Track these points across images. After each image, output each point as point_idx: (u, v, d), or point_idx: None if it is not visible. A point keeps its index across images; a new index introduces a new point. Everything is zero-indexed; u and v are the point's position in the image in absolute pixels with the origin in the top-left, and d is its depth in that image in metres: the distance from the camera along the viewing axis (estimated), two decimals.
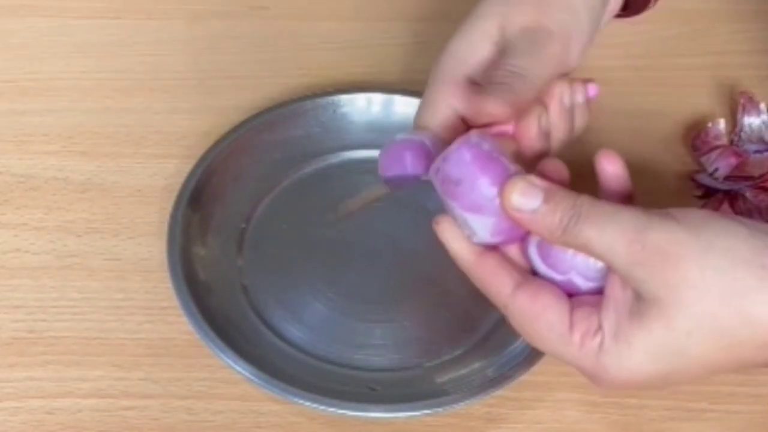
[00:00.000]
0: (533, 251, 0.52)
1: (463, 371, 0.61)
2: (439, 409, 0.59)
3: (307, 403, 0.58)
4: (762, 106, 0.74)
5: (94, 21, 0.80)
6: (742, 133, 0.73)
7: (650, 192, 0.70)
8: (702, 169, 0.72)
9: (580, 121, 0.60)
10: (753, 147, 0.73)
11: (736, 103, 0.74)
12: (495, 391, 0.59)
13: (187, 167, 0.68)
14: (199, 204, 0.66)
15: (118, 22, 0.80)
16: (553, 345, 0.51)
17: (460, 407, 0.59)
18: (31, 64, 0.77)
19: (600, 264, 0.50)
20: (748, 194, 0.69)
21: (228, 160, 0.68)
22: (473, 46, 0.59)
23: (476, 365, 0.62)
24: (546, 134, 0.57)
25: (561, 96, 0.58)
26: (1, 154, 0.71)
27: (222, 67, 0.77)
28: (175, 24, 0.80)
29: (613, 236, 0.48)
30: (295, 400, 0.58)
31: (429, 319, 0.64)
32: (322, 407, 0.58)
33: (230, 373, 0.59)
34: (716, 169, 0.71)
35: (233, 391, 0.61)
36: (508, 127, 0.56)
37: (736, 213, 0.68)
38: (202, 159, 0.68)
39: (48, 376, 0.61)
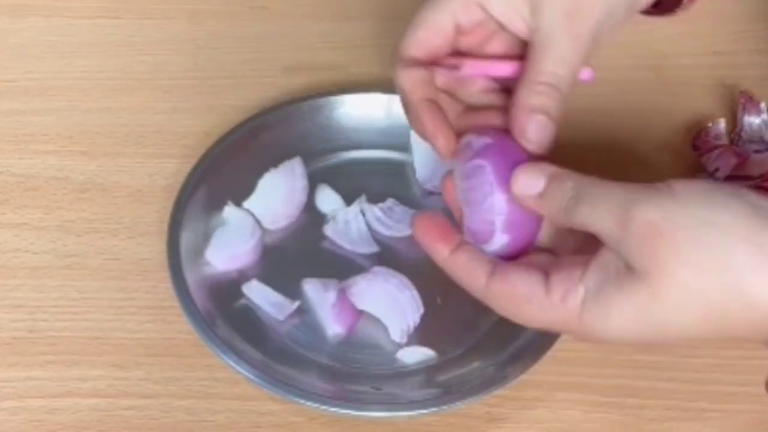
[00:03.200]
0: None
1: (463, 371, 0.61)
2: (439, 409, 0.58)
3: (308, 403, 0.58)
4: (762, 105, 0.74)
5: (94, 21, 0.80)
6: (743, 133, 0.73)
7: None
8: (702, 168, 0.72)
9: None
10: (753, 147, 0.73)
11: (737, 102, 0.74)
12: (495, 390, 0.59)
13: (187, 167, 0.68)
14: (198, 204, 0.66)
15: (118, 22, 0.80)
16: (537, 314, 0.51)
17: (460, 407, 0.59)
18: (31, 64, 0.77)
19: None
20: None
21: (228, 160, 0.68)
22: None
23: (476, 365, 0.62)
24: None
25: None
26: (1, 154, 0.71)
27: (222, 67, 0.77)
28: (175, 24, 0.80)
29: (603, 215, 0.49)
30: (295, 400, 0.58)
31: (429, 318, 0.64)
32: (323, 407, 0.58)
33: (230, 373, 0.59)
34: (717, 169, 0.70)
35: (233, 391, 0.61)
36: (506, 67, 0.57)
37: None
38: (202, 159, 0.68)
39: (48, 376, 0.61)
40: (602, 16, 0.57)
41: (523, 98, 0.55)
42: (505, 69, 0.57)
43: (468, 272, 0.52)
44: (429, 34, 0.58)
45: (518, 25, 0.57)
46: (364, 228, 0.67)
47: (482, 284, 0.52)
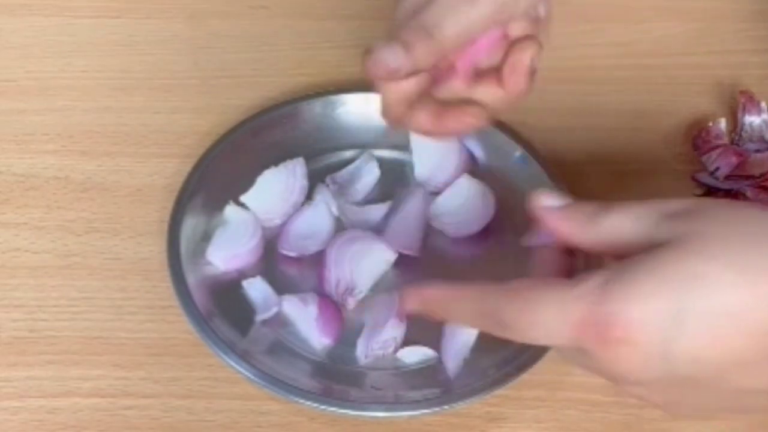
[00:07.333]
0: None
1: (463, 371, 0.61)
2: (440, 409, 0.59)
3: (308, 403, 0.58)
4: (763, 105, 0.73)
5: (94, 20, 0.80)
6: (743, 133, 0.73)
7: (650, 192, 0.71)
8: (703, 168, 0.72)
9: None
10: (754, 146, 0.73)
11: (737, 102, 0.74)
12: (496, 390, 0.59)
13: (187, 167, 0.68)
14: (198, 204, 0.66)
15: (118, 22, 0.80)
16: (550, 298, 0.47)
17: (461, 407, 0.59)
18: (31, 64, 0.77)
19: None
20: (748, 193, 0.69)
21: (228, 160, 0.68)
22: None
23: (476, 365, 0.62)
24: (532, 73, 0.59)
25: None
26: (1, 154, 0.71)
27: (222, 67, 0.77)
28: (175, 23, 0.80)
29: (640, 210, 0.48)
30: (296, 399, 0.58)
31: (429, 318, 0.64)
32: (323, 407, 0.58)
33: (230, 372, 0.59)
34: (717, 169, 0.70)
35: (233, 390, 0.61)
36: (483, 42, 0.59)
37: None
38: (202, 159, 0.68)
39: (48, 376, 0.61)
40: None
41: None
42: (483, 44, 0.59)
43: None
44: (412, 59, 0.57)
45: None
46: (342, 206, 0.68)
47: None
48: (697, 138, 0.73)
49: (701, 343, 0.44)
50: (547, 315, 0.47)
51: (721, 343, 0.44)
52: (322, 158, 0.71)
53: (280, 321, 0.63)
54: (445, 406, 0.58)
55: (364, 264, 0.65)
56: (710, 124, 0.73)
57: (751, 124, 0.73)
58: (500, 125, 0.71)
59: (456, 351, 0.61)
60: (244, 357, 0.59)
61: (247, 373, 0.59)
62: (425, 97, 0.59)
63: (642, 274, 0.45)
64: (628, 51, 0.79)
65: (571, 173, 0.69)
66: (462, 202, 0.68)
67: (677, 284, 0.44)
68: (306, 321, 0.63)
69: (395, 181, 0.71)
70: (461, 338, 0.61)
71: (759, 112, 0.73)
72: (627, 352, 0.45)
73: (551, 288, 0.47)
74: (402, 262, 0.66)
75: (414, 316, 0.63)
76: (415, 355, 0.63)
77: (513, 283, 0.49)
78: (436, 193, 0.69)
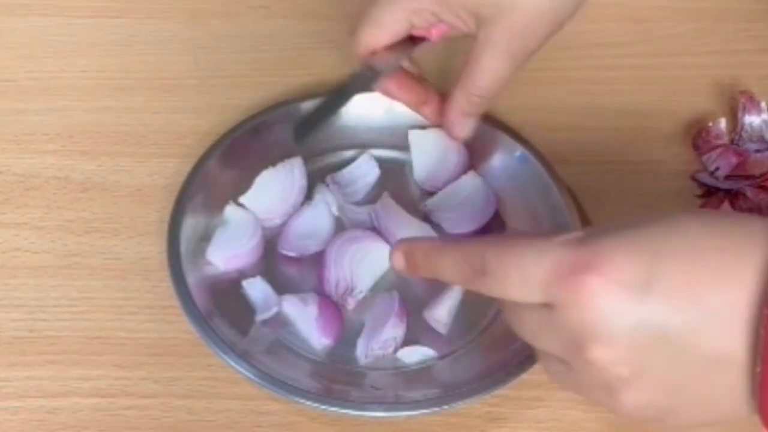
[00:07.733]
0: None
1: (463, 371, 0.61)
2: (439, 409, 0.59)
3: (308, 403, 0.58)
4: (763, 105, 0.73)
5: (95, 20, 0.80)
6: (743, 132, 0.73)
7: (650, 192, 0.71)
8: (703, 168, 0.72)
9: None
10: (754, 146, 0.73)
11: (737, 102, 0.74)
12: (495, 390, 0.59)
13: (187, 167, 0.68)
14: (198, 204, 0.66)
15: (118, 21, 0.80)
16: (532, 245, 0.49)
17: (461, 407, 0.59)
18: (31, 64, 0.77)
19: None
20: (748, 193, 0.69)
21: (228, 160, 0.68)
22: None
23: (476, 365, 0.62)
24: None
25: None
26: (1, 154, 0.71)
27: (222, 67, 0.77)
28: (176, 23, 0.80)
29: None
30: (296, 399, 0.58)
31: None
32: (323, 407, 0.58)
33: (230, 372, 0.59)
34: (717, 168, 0.70)
35: (233, 390, 0.61)
36: (431, 32, 0.67)
37: (737, 212, 0.68)
38: (202, 159, 0.68)
39: (48, 376, 0.61)
40: (538, 44, 0.65)
41: (459, 103, 0.67)
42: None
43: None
44: (386, 35, 0.67)
45: (466, 30, 0.66)
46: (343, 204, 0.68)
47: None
48: (697, 138, 0.73)
49: (677, 284, 0.46)
50: (526, 260, 0.48)
51: (694, 290, 0.45)
52: (322, 158, 0.71)
53: (280, 321, 0.63)
54: (445, 406, 0.59)
55: (364, 264, 0.65)
56: (710, 124, 0.73)
57: (751, 124, 0.73)
58: (500, 125, 0.71)
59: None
60: (244, 357, 0.59)
61: (247, 373, 0.59)
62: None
63: (619, 228, 0.48)
64: (627, 51, 0.79)
65: (571, 173, 0.69)
66: (462, 199, 0.68)
67: (654, 231, 0.47)
68: (306, 321, 0.63)
69: (395, 181, 0.71)
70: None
71: (759, 112, 0.73)
72: (601, 293, 0.46)
73: (535, 238, 0.50)
74: None
75: (413, 315, 0.64)
76: (415, 355, 0.63)
77: (500, 235, 0.54)
78: (435, 193, 0.69)
